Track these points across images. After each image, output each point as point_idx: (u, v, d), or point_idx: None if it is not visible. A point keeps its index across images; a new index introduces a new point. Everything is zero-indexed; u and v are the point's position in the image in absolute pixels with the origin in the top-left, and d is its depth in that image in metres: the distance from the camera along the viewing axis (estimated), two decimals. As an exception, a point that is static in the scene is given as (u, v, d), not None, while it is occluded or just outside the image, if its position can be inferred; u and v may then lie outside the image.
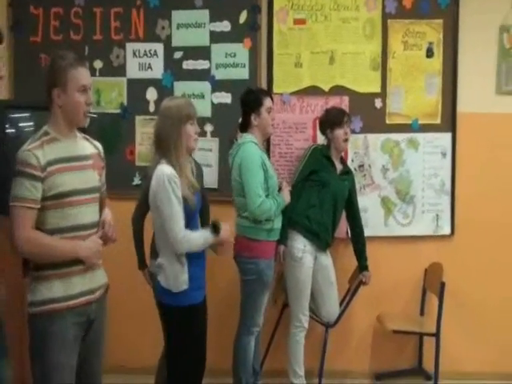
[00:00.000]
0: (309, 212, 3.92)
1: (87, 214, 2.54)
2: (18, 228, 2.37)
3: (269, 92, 4.02)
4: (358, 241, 4.15)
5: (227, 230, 2.98)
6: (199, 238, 2.88)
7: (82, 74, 2.47)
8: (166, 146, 2.83)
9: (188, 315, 2.88)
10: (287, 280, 3.98)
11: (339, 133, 4.00)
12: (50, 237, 2.43)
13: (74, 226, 2.48)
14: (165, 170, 2.78)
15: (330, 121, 4.05)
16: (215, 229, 2.92)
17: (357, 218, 4.15)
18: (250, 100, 3.79)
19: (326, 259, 4.07)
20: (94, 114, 2.65)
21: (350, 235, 4.22)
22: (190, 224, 2.88)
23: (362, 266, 4.11)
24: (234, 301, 3.85)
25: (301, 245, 3.90)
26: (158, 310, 3.03)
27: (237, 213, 3.79)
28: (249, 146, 3.68)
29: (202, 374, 3.01)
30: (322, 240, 3.97)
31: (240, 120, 3.85)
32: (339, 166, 4.09)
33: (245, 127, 3.81)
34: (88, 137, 2.69)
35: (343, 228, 4.29)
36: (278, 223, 3.75)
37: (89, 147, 2.64)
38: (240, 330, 3.78)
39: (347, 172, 4.13)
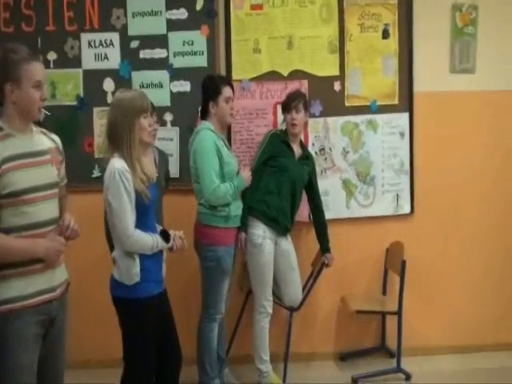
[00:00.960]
0: (267, 198, 3.94)
1: (46, 210, 2.48)
2: None
3: (229, 81, 4.00)
4: (320, 224, 4.19)
5: (178, 238, 2.99)
6: (149, 241, 2.86)
7: (36, 69, 2.39)
8: (119, 139, 2.79)
9: (139, 308, 2.87)
10: (249, 267, 4.01)
11: (287, 117, 4.02)
12: (5, 237, 2.37)
13: (31, 224, 2.42)
14: (116, 164, 2.76)
15: (282, 105, 4.08)
16: (165, 236, 2.93)
17: (317, 202, 4.20)
18: (208, 88, 3.80)
19: (287, 244, 4.11)
20: (48, 111, 2.57)
21: (311, 219, 4.26)
22: (145, 216, 2.86)
23: (324, 249, 4.16)
24: (198, 288, 3.90)
25: (260, 231, 3.93)
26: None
27: (196, 200, 3.83)
28: (204, 133, 3.71)
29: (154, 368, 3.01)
30: (281, 225, 4.00)
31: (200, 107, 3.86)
32: (298, 151, 4.09)
33: (204, 115, 3.83)
34: (45, 131, 2.62)
35: (305, 212, 4.33)
36: (235, 210, 3.79)
37: (46, 141, 2.57)
38: (202, 317, 3.84)
39: (307, 157, 4.15)
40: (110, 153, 2.83)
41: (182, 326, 3.20)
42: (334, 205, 4.47)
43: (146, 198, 2.81)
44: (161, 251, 2.96)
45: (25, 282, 2.42)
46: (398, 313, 4.09)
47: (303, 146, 4.19)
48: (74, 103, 4.25)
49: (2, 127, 2.40)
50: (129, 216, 2.78)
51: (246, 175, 3.84)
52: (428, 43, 4.41)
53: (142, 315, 2.89)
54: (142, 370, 2.94)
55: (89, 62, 4.25)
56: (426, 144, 4.49)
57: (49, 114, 2.60)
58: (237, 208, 3.81)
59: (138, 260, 2.84)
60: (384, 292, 4.51)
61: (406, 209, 4.54)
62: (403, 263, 4.05)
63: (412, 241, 4.37)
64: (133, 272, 2.83)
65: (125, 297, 2.87)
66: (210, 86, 3.80)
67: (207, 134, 3.70)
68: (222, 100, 3.77)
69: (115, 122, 2.80)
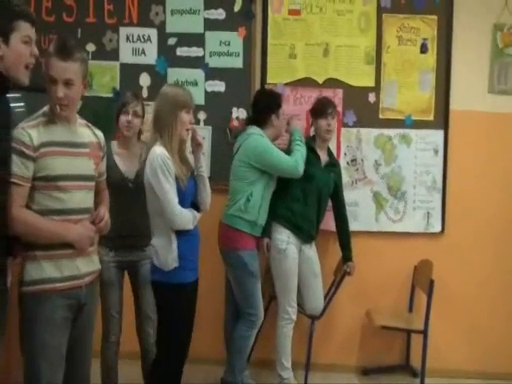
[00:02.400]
0: (292, 205, 3.91)
1: (77, 199, 2.51)
2: (11, 205, 2.34)
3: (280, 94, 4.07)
4: (343, 232, 4.13)
5: None
6: (190, 215, 3.01)
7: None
8: (163, 128, 2.96)
9: (177, 292, 2.98)
10: (273, 272, 3.96)
11: (321, 123, 3.98)
12: (38, 217, 2.40)
13: (62, 210, 2.45)
14: (157, 150, 2.92)
15: (315, 110, 4.05)
16: (196, 208, 3.11)
17: (342, 210, 4.13)
18: (270, 101, 3.91)
19: (311, 251, 4.05)
20: (84, 101, 2.58)
21: (335, 226, 4.18)
22: (181, 205, 2.96)
23: (346, 257, 4.09)
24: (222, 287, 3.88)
25: (284, 236, 3.89)
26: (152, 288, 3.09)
27: (228, 200, 3.84)
28: (257, 137, 3.81)
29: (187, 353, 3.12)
30: (306, 232, 3.96)
31: (247, 115, 4.10)
32: (325, 158, 4.06)
33: (259, 124, 3.90)
34: (90, 124, 2.68)
35: (331, 221, 4.22)
36: (262, 220, 3.82)
37: (88, 135, 2.63)
38: (241, 323, 3.80)
39: (333, 164, 4.10)
40: (154, 141, 2.98)
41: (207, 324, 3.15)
42: (363, 217, 4.39)
43: (183, 186, 2.95)
44: (196, 243, 3.09)
45: (54, 266, 2.45)
46: (424, 332, 3.95)
47: (330, 153, 4.13)
48: (110, 95, 4.28)
49: (47, 113, 2.47)
50: (174, 196, 2.91)
51: (295, 124, 4.04)
52: (467, 61, 4.35)
53: (177, 301, 2.99)
54: (174, 355, 3.03)
55: (126, 55, 4.29)
56: (460, 163, 4.40)
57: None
58: (263, 218, 3.83)
59: (175, 246, 2.95)
60: (410, 309, 4.38)
61: (437, 227, 4.42)
62: (431, 283, 3.93)
63: (441, 260, 4.25)
64: (171, 258, 2.94)
65: (161, 281, 2.98)
66: (272, 99, 3.91)
67: (260, 138, 3.81)
68: (281, 114, 3.92)
69: (161, 111, 2.97)
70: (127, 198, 3.33)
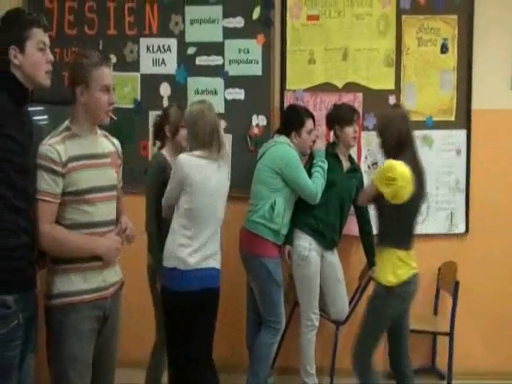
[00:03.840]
0: (315, 211, 3.90)
1: (104, 211, 2.57)
2: (39, 221, 2.40)
3: (311, 113, 4.01)
4: (367, 237, 4.11)
5: None
6: None
7: (104, 74, 2.50)
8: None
9: None
10: (295, 279, 3.97)
11: (349, 130, 3.97)
12: (68, 232, 2.46)
13: (91, 223, 2.51)
14: None
15: (340, 117, 4.02)
16: None
17: (365, 215, 4.11)
18: (292, 119, 3.92)
19: (333, 257, 4.05)
20: (115, 116, 2.66)
21: (358, 232, 4.17)
22: None
23: (371, 262, 4.06)
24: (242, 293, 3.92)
25: (306, 243, 3.90)
26: (209, 297, 3.19)
27: (250, 205, 3.86)
28: (286, 146, 3.84)
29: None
30: (328, 239, 3.96)
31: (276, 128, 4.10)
32: (346, 164, 4.06)
33: (284, 130, 3.96)
34: (107, 133, 2.72)
35: (354, 226, 4.20)
36: (285, 229, 3.83)
37: (107, 145, 2.68)
38: (264, 330, 3.83)
39: (355, 169, 4.10)
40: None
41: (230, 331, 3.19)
42: (386, 220, 4.37)
43: None
44: None
45: (82, 278, 2.50)
46: (450, 334, 3.95)
47: (351, 159, 4.14)
48: (131, 106, 4.33)
49: (69, 127, 2.51)
50: None
51: (321, 145, 3.97)
52: (488, 60, 4.32)
53: None
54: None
55: (147, 66, 4.34)
56: (483, 162, 4.37)
57: (115, 118, 2.65)
58: (286, 227, 3.85)
59: None
60: (435, 312, 4.36)
61: (461, 228, 4.40)
62: (456, 284, 3.92)
63: (466, 261, 4.24)
64: None
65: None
66: (294, 117, 3.92)
67: (291, 150, 3.84)
68: (304, 132, 3.89)
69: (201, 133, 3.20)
70: None
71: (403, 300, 3.29)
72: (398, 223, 3.26)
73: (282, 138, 3.89)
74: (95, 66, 2.48)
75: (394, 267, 3.23)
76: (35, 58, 2.32)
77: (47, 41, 2.37)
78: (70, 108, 2.55)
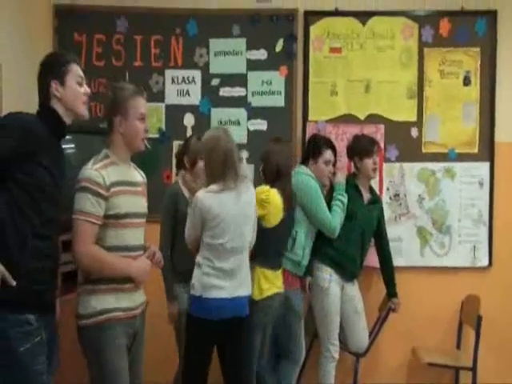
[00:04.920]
0: (335, 243, 3.89)
1: (136, 236, 2.69)
2: (80, 241, 2.51)
3: (332, 144, 4.00)
4: (387, 268, 4.11)
5: None
6: None
7: (140, 103, 2.67)
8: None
9: None
10: (315, 310, 3.96)
11: (368, 162, 3.99)
12: (107, 253, 2.57)
13: (126, 246, 2.63)
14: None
15: (359, 149, 4.04)
16: None
17: (385, 246, 4.11)
18: (311, 147, 3.97)
19: (353, 289, 4.03)
20: (150, 144, 2.77)
21: (378, 263, 4.16)
22: None
23: (391, 293, 4.07)
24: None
25: (327, 274, 3.89)
26: (238, 326, 3.16)
27: None
28: (305, 177, 3.84)
29: None
30: (348, 271, 3.95)
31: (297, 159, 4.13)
32: (367, 195, 4.06)
33: (304, 160, 4.01)
34: (135, 165, 2.83)
35: (374, 257, 4.19)
36: (306, 260, 3.82)
37: (138, 175, 2.80)
38: (284, 360, 3.81)
39: (375, 200, 4.10)
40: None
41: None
42: (408, 252, 4.36)
43: None
44: None
45: (115, 298, 2.61)
46: (473, 369, 3.91)
47: (372, 190, 4.14)
48: (156, 136, 4.38)
49: (108, 155, 2.64)
50: None
51: (341, 177, 3.96)
52: (511, 92, 4.32)
53: None
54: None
55: (171, 97, 4.41)
56: (506, 196, 4.35)
57: (149, 147, 2.77)
58: (307, 259, 3.84)
59: None
60: (458, 346, 4.31)
61: (484, 261, 4.36)
62: (479, 318, 3.90)
63: (489, 295, 4.19)
64: None
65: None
66: (313, 145, 3.96)
67: (310, 179, 3.84)
68: (321, 161, 3.90)
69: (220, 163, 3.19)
70: None
71: (265, 314, 3.46)
72: (266, 245, 3.42)
73: (302, 168, 3.91)
74: (132, 96, 2.65)
75: (259, 283, 3.41)
76: (74, 91, 2.48)
77: (83, 76, 2.55)
78: (107, 138, 2.68)
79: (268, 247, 3.46)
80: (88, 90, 2.55)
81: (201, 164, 3.48)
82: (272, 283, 3.49)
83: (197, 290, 3.07)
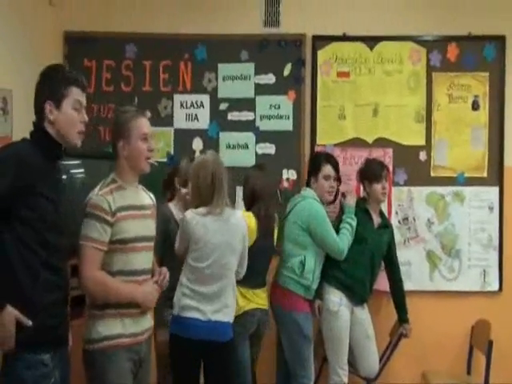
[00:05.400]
0: (344, 266, 3.88)
1: (144, 260, 2.67)
2: (87, 267, 2.51)
3: (332, 159, 3.99)
4: (398, 293, 4.08)
5: None
6: None
7: (143, 123, 2.66)
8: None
9: None
10: (324, 334, 3.93)
11: (377, 187, 3.98)
12: (113, 278, 2.56)
13: (132, 271, 2.61)
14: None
15: (369, 174, 4.05)
16: None
17: (396, 271, 4.09)
18: (311, 163, 4.00)
19: (363, 313, 4.01)
20: (156, 161, 2.77)
21: (389, 287, 4.13)
22: None
23: (402, 319, 4.04)
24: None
25: (337, 298, 3.87)
26: (219, 350, 3.14)
27: (281, 260, 3.87)
28: (312, 201, 3.85)
29: None
30: (357, 294, 3.94)
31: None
32: (377, 220, 4.05)
33: (308, 184, 4.00)
34: (144, 188, 2.82)
35: (384, 281, 4.17)
36: (315, 283, 3.82)
37: (147, 197, 2.79)
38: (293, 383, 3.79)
39: (386, 225, 4.08)
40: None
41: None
42: (417, 276, 4.35)
43: None
44: None
45: (121, 323, 2.59)
46: (484, 395, 3.83)
47: (383, 215, 4.13)
48: (165, 160, 4.39)
49: (115, 179, 2.64)
50: None
51: (351, 200, 3.96)
52: (521, 116, 4.33)
53: None
54: None
55: (180, 121, 4.44)
56: (516, 220, 4.32)
57: (157, 164, 2.80)
58: (317, 282, 3.84)
59: None
60: (469, 371, 4.26)
61: (494, 286, 4.33)
62: (490, 343, 3.85)
63: (500, 320, 4.15)
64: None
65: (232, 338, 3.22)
66: (313, 162, 3.99)
67: (315, 203, 3.85)
68: (321, 177, 3.90)
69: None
70: None
71: (244, 327, 3.52)
72: None
73: (308, 192, 3.91)
74: (133, 117, 2.64)
75: (238, 300, 3.40)
76: (70, 117, 2.36)
77: (84, 101, 2.42)
78: (113, 163, 2.67)
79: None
80: (86, 117, 2.42)
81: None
82: (250, 300, 3.57)
83: (175, 309, 3.12)
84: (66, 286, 2.45)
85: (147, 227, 2.69)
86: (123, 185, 2.63)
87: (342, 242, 3.80)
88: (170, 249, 3.35)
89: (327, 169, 3.90)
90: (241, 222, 3.25)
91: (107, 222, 2.50)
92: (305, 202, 3.84)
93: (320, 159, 3.96)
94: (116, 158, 2.66)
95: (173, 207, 3.59)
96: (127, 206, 2.59)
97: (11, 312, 2.17)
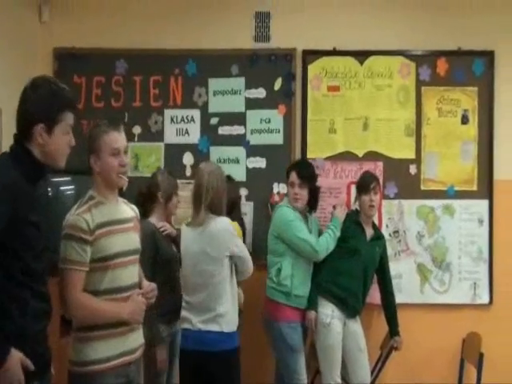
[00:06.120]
0: (337, 278, 3.89)
1: (129, 275, 2.59)
2: (69, 291, 2.43)
3: (300, 166, 3.98)
4: (389, 306, 4.08)
5: None
6: None
7: (113, 138, 2.52)
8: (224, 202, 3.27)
9: (239, 355, 3.24)
10: (317, 346, 3.93)
11: (365, 199, 3.98)
12: (98, 300, 2.48)
13: (117, 288, 2.53)
14: (227, 220, 3.24)
15: (357, 186, 4.07)
16: None
17: (388, 284, 4.10)
18: (287, 171, 3.96)
19: (355, 325, 3.99)
20: (130, 182, 2.70)
21: (380, 300, 4.14)
22: None
23: (393, 332, 4.04)
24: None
25: (329, 310, 3.87)
26: (212, 361, 3.14)
27: (268, 273, 3.89)
28: (282, 209, 3.87)
29: None
30: (350, 307, 3.93)
31: None
32: (370, 232, 4.05)
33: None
34: (126, 201, 2.77)
35: (376, 294, 4.16)
36: (297, 290, 3.81)
37: (128, 210, 2.71)
38: None
39: (378, 237, 4.09)
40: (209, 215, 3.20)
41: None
42: (408, 289, 4.36)
43: None
44: None
45: (107, 345, 2.50)
46: (475, 408, 3.85)
47: (375, 227, 4.14)
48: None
49: (93, 196, 2.55)
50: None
51: (340, 212, 3.95)
52: (509, 130, 4.37)
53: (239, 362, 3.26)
54: None
55: (170, 136, 4.44)
56: (506, 232, 4.35)
57: (126, 180, 2.63)
58: (300, 289, 3.83)
59: None
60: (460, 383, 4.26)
61: (485, 299, 4.35)
62: (481, 356, 3.87)
63: (491, 333, 4.17)
64: (236, 319, 3.24)
65: (234, 346, 3.20)
66: (289, 169, 3.95)
67: (285, 209, 3.85)
68: (288, 184, 3.92)
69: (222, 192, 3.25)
70: (178, 273, 3.48)
71: None
72: None
73: (284, 201, 3.95)
74: (104, 132, 2.52)
75: None
76: (60, 143, 2.27)
77: (73, 123, 2.33)
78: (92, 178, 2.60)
79: None
80: (73, 142, 2.32)
81: (175, 200, 3.58)
82: None
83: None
84: (51, 310, 2.37)
85: (130, 241, 2.61)
86: (102, 200, 2.54)
87: (319, 243, 3.81)
88: (160, 263, 3.38)
89: (292, 176, 3.89)
90: (221, 228, 3.19)
91: (86, 242, 2.42)
92: (278, 210, 3.89)
93: (290, 167, 3.98)
94: (92, 173, 2.56)
95: (156, 222, 3.55)
96: (107, 222, 2.51)
97: (16, 355, 2.11)
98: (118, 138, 2.54)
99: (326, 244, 3.82)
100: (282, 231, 3.81)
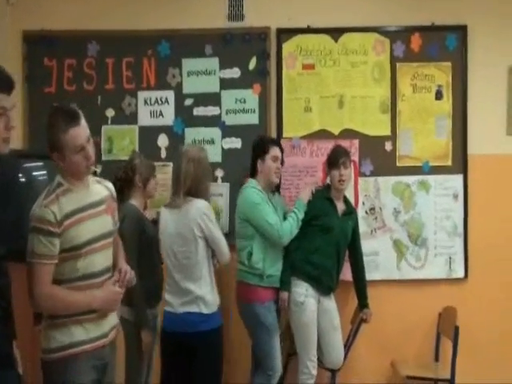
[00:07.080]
0: (310, 257, 3.90)
1: (101, 260, 2.55)
2: (37, 284, 2.38)
3: (278, 142, 4.06)
4: (359, 279, 4.12)
5: None
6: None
7: (73, 135, 2.40)
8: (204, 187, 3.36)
9: (221, 335, 3.36)
10: (292, 326, 3.96)
11: (334, 173, 3.97)
12: (66, 291, 2.45)
13: (90, 274, 2.50)
14: (204, 202, 3.31)
15: (328, 160, 4.06)
16: None
17: (359, 257, 4.12)
18: (257, 146, 3.93)
19: (330, 303, 4.01)
20: (104, 165, 2.66)
21: (351, 273, 4.16)
22: None
23: (362, 304, 4.08)
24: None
25: (303, 289, 3.88)
26: (193, 342, 3.22)
27: (238, 257, 3.90)
28: (247, 190, 3.85)
29: None
30: (325, 285, 3.95)
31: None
32: (341, 207, 4.03)
33: (252, 173, 3.93)
34: (99, 179, 2.71)
35: (349, 271, 4.20)
36: (270, 270, 3.82)
37: (101, 190, 2.64)
38: (260, 378, 3.81)
39: (350, 212, 4.09)
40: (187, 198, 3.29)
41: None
42: (384, 265, 4.39)
43: None
44: None
45: (81, 329, 2.49)
46: (451, 380, 3.92)
47: (347, 201, 4.13)
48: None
49: (61, 183, 2.48)
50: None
51: (304, 195, 3.95)
52: (483, 105, 4.38)
53: (222, 342, 3.39)
54: None
55: (144, 118, 4.39)
56: (480, 207, 4.39)
57: (97, 170, 2.63)
58: (272, 268, 3.84)
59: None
60: (436, 358, 4.34)
61: (460, 273, 4.41)
62: (456, 329, 3.92)
63: (466, 306, 4.24)
64: (216, 300, 3.34)
65: (212, 327, 3.27)
66: (259, 144, 3.93)
67: (251, 191, 3.82)
68: (268, 158, 3.86)
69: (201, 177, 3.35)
70: (158, 255, 3.48)
71: None
72: None
73: (250, 182, 3.90)
74: (62, 132, 2.39)
75: None
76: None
77: (8, 105, 2.17)
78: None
79: None
80: (12, 124, 2.18)
81: (153, 183, 3.62)
82: None
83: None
84: (7, 303, 2.30)
85: (102, 224, 2.56)
86: (70, 187, 2.48)
87: (282, 227, 3.79)
88: (145, 245, 3.40)
89: (275, 150, 3.88)
90: (197, 210, 3.25)
91: (54, 234, 2.36)
92: (242, 193, 3.86)
93: (267, 141, 3.95)
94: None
95: (137, 205, 3.57)
96: (76, 210, 2.44)
97: None
98: (78, 134, 2.42)
99: (289, 228, 3.81)
100: (249, 213, 3.79)
